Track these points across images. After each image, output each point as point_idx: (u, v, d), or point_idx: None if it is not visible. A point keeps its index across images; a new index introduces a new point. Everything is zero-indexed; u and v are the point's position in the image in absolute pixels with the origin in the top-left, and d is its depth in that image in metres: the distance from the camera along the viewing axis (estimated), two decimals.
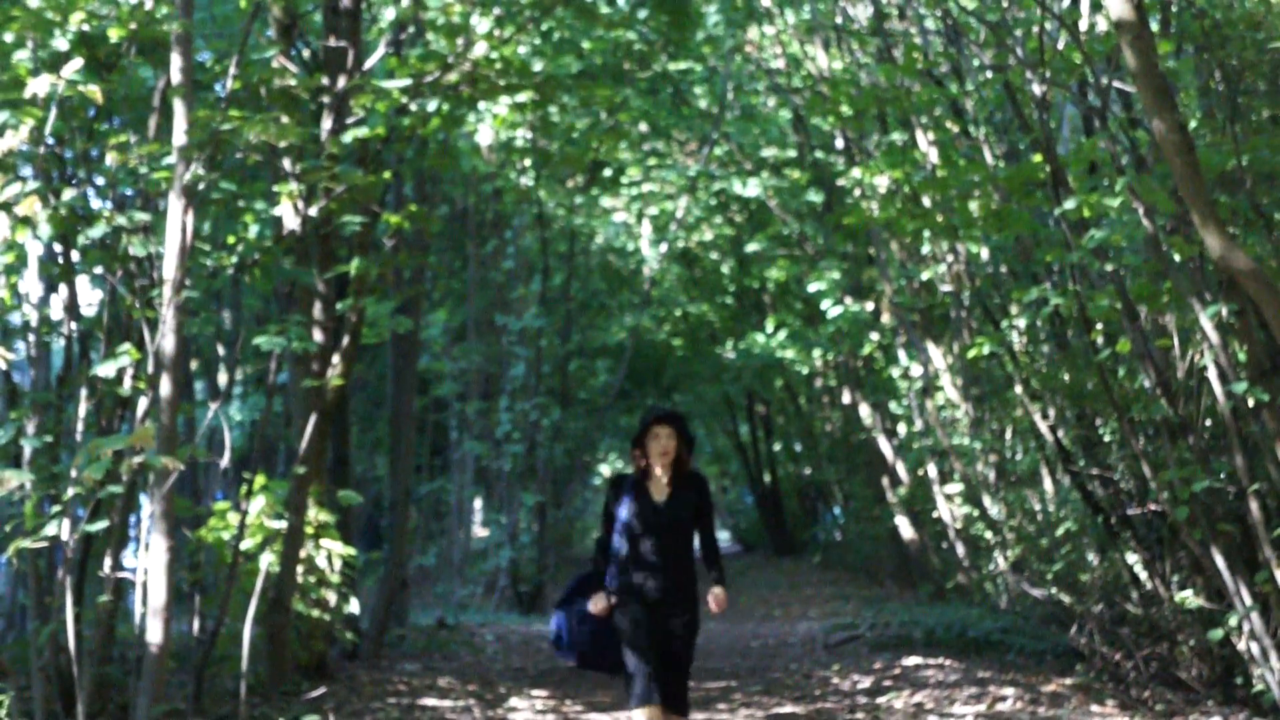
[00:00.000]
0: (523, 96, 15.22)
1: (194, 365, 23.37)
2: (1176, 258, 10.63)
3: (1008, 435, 19.09)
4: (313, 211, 12.72)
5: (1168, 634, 12.95)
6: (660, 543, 9.58)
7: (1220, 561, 10.82)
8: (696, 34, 23.63)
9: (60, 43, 11.25)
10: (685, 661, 9.77)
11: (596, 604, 9.67)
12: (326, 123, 13.37)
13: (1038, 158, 12.19)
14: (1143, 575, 13.12)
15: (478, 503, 32.08)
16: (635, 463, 9.76)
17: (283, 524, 13.22)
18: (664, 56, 24.47)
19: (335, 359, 13.79)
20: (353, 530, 16.14)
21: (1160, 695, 12.79)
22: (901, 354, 22.50)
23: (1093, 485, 13.58)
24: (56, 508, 9.96)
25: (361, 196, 12.98)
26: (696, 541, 9.86)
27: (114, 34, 11.21)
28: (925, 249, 19.69)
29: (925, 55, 14.83)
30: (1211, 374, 10.55)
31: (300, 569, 13.76)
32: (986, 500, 18.52)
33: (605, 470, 52.96)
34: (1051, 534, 15.77)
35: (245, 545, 13.02)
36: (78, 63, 10.11)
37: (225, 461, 11.89)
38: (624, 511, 9.71)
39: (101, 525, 10.26)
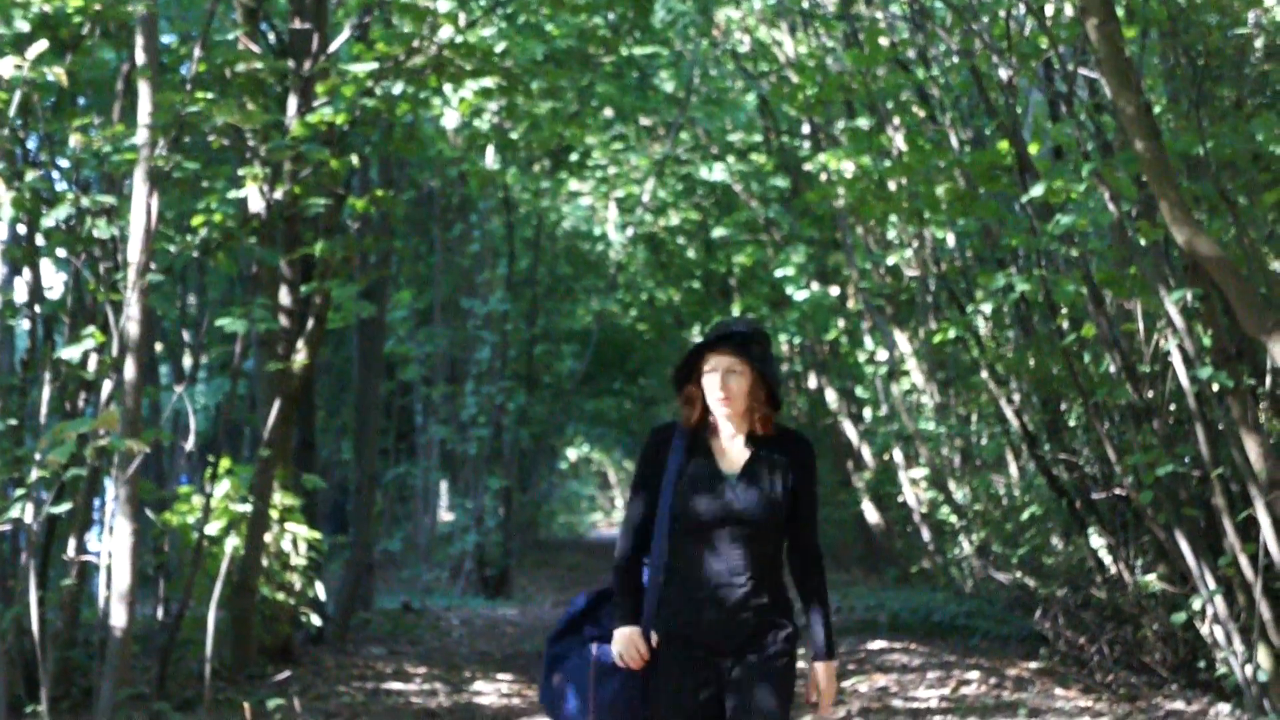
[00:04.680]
0: (489, 81, 15.18)
1: (159, 349, 23.28)
2: (1142, 243, 10.65)
3: (973, 420, 19.15)
4: (278, 195, 12.70)
5: (1132, 618, 12.99)
6: (729, 544, 5.96)
7: (1184, 546, 10.86)
8: (655, 11, 23.57)
9: (21, 24, 11.19)
10: None
11: (626, 648, 6.04)
12: (292, 106, 13.34)
13: (1003, 143, 12.21)
14: (1107, 559, 13.16)
15: (443, 487, 32.07)
16: (687, 412, 6.17)
17: (248, 508, 13.19)
18: (629, 41, 24.42)
19: (300, 343, 13.76)
20: (318, 514, 16.13)
21: (1124, 679, 12.84)
22: (867, 339, 22.54)
23: (1058, 470, 13.62)
24: (20, 491, 9.91)
25: (327, 180, 12.95)
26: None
27: (76, 13, 11.14)
28: (891, 234, 19.73)
29: (891, 41, 14.84)
30: (1176, 359, 10.58)
31: (265, 553, 13.74)
32: (952, 485, 18.57)
33: (571, 455, 52.91)
34: (1016, 518, 15.82)
35: (210, 529, 12.99)
36: (42, 45, 10.05)
37: (190, 445, 11.87)
38: (670, 488, 6.07)
39: (65, 508, 10.23)
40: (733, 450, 6.11)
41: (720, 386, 6.03)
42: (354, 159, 14.05)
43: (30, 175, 10.71)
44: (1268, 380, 10.27)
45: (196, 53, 11.85)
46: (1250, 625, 10.44)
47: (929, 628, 17.36)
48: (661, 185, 28.44)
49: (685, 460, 6.10)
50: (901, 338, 20.78)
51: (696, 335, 32.33)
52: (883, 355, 21.62)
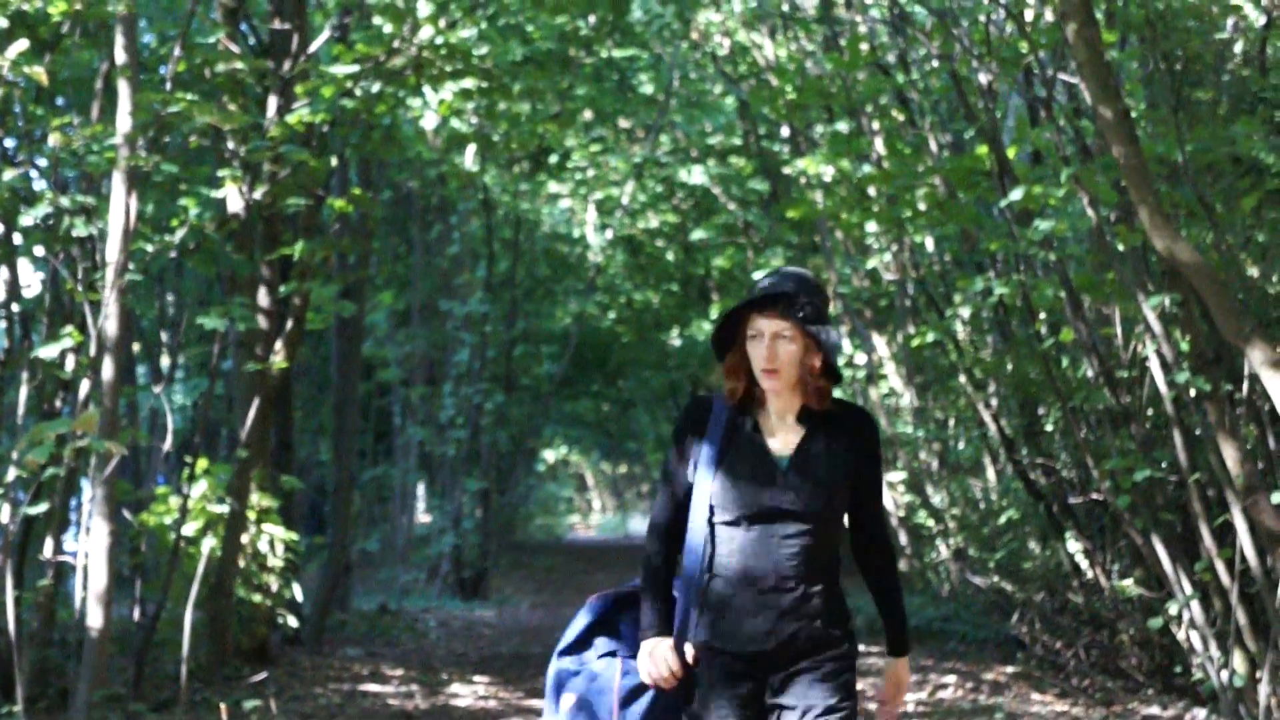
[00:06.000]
0: (468, 82, 15.18)
1: (136, 348, 23.25)
2: (1120, 248, 10.67)
3: (951, 424, 19.17)
4: (257, 195, 12.68)
5: (1108, 623, 13.02)
6: (778, 540, 5.01)
7: (1161, 550, 10.88)
8: (632, 10, 23.56)
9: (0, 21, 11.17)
10: None
11: (656, 662, 5.10)
12: (271, 107, 13.33)
13: (982, 148, 12.22)
14: (1084, 564, 13.19)
15: (421, 488, 32.03)
16: (730, 386, 5.20)
17: (225, 508, 13.18)
18: (609, 43, 24.42)
19: (279, 343, 13.74)
20: (295, 515, 16.12)
21: (1100, 684, 12.87)
22: (846, 342, 22.56)
23: (1035, 474, 13.64)
24: None
25: (306, 180, 12.94)
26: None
27: (55, 12, 11.11)
28: (870, 239, 19.76)
29: (871, 45, 14.85)
30: (1154, 364, 10.59)
31: (242, 554, 13.72)
32: (929, 489, 18.59)
33: (549, 457, 52.86)
34: (994, 522, 15.84)
35: (187, 530, 12.97)
36: (22, 44, 10.03)
37: (167, 445, 11.86)
38: (709, 473, 5.11)
39: (42, 508, 10.21)
40: (783, 430, 5.16)
41: (765, 355, 5.04)
42: (333, 160, 14.04)
43: (9, 174, 10.69)
44: (1245, 386, 10.29)
45: (176, 53, 11.84)
46: (1226, 630, 10.46)
47: None
48: (641, 188, 28.43)
49: (727, 441, 5.14)
50: (880, 341, 20.80)
51: (675, 338, 32.32)
52: (861, 359, 21.63)
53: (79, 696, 10.32)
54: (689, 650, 5.10)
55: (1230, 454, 9.71)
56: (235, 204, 12.82)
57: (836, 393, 5.27)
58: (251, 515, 13.86)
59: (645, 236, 31.09)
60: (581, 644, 5.34)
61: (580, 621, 5.37)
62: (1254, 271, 10.95)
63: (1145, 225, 9.11)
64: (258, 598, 14.07)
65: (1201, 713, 11.27)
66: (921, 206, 13.80)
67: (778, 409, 5.16)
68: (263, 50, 14.48)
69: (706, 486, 5.09)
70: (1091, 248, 11.49)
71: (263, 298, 13.78)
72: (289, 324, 13.79)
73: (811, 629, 5.05)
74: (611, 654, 5.29)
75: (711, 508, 5.07)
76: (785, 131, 23.67)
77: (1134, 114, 10.60)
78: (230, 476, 13.42)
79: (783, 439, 5.14)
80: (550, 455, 52.81)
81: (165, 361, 24.06)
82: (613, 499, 70.89)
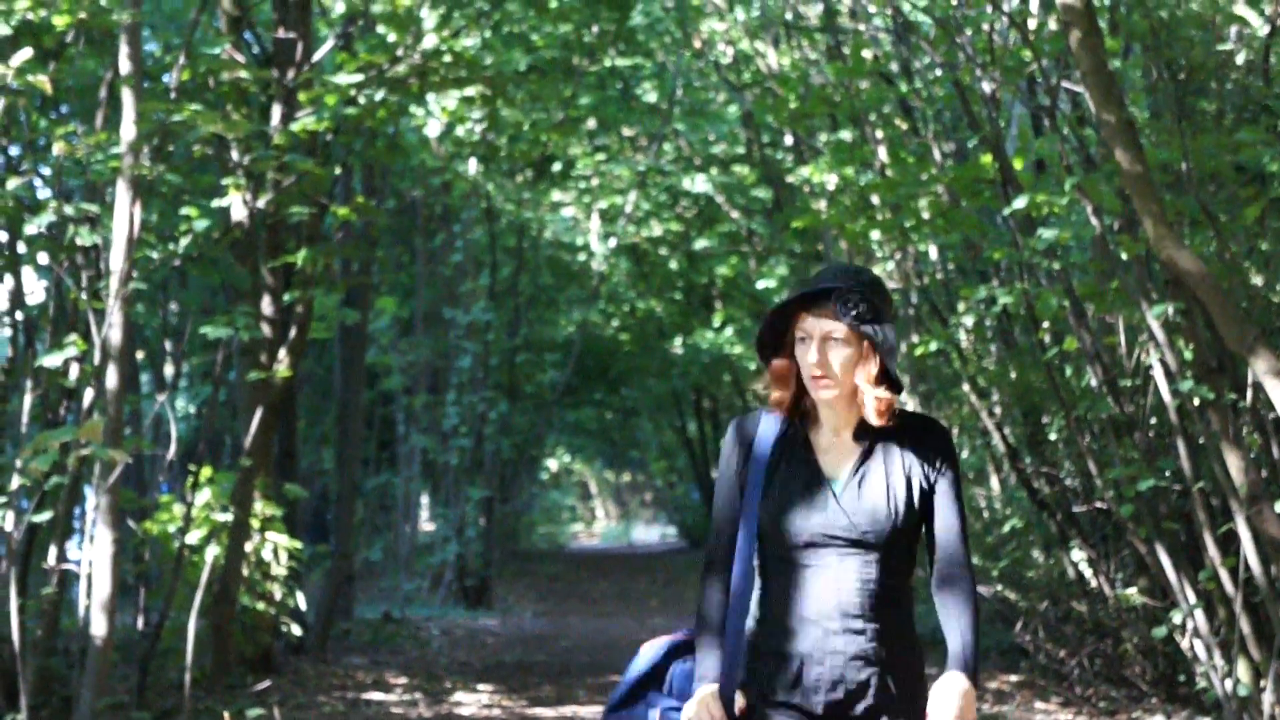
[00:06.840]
0: (471, 90, 15.19)
1: (140, 357, 23.24)
2: (1124, 257, 10.67)
3: (954, 433, 19.16)
4: (261, 203, 12.68)
5: (1112, 632, 13.00)
6: (836, 573, 4.32)
7: (1165, 559, 10.87)
8: (633, 18, 23.59)
9: (3, 29, 11.18)
10: None
11: (698, 714, 4.31)
12: (275, 115, 13.33)
13: (986, 157, 12.22)
14: (1088, 573, 13.17)
15: (424, 497, 32.01)
16: (777, 394, 4.47)
17: (228, 517, 13.17)
18: (613, 51, 24.44)
19: (282, 352, 13.74)
20: (299, 523, 16.11)
21: (1104, 693, 12.85)
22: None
23: (1039, 483, 13.62)
24: (1, 499, 9.90)
25: (310, 189, 12.94)
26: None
27: (60, 21, 11.11)
28: (874, 248, 19.74)
29: (875, 54, 14.85)
30: (1157, 372, 10.59)
31: (246, 562, 13.71)
32: None
33: (553, 466, 52.83)
34: (997, 531, 15.82)
35: (191, 538, 12.97)
36: (27, 52, 10.03)
37: (171, 454, 11.85)
38: (753, 498, 4.42)
39: (46, 517, 10.21)
40: (838, 446, 4.43)
41: (815, 360, 4.30)
42: (337, 168, 14.05)
43: (13, 182, 10.70)
44: (1248, 394, 10.28)
45: (180, 61, 11.85)
46: (1230, 639, 10.45)
47: None
48: (644, 196, 28.43)
49: (775, 460, 4.43)
50: None
51: (678, 347, 32.28)
52: None
53: (82, 705, 10.32)
54: (739, 700, 4.39)
55: (1234, 463, 9.71)
56: (239, 212, 12.83)
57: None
58: (255, 523, 13.86)
59: (649, 245, 31.10)
60: (632, 698, 4.62)
61: (632, 672, 4.64)
62: (1258, 280, 10.95)
63: (1149, 234, 9.11)
64: (261, 606, 14.07)
65: None
66: (925, 215, 13.78)
67: (832, 423, 4.44)
68: (267, 59, 14.48)
69: (753, 514, 4.40)
70: (1095, 256, 11.48)
71: (266, 306, 13.78)
72: (292, 332, 13.80)
73: (879, 677, 4.33)
74: (662, 709, 4.57)
75: (760, 537, 4.41)
76: (789, 140, 23.66)
77: (1137, 123, 10.60)
78: (234, 485, 13.41)
79: (836, 457, 4.43)
80: (553, 464, 52.77)
81: (169, 370, 24.08)
82: (616, 507, 70.87)
